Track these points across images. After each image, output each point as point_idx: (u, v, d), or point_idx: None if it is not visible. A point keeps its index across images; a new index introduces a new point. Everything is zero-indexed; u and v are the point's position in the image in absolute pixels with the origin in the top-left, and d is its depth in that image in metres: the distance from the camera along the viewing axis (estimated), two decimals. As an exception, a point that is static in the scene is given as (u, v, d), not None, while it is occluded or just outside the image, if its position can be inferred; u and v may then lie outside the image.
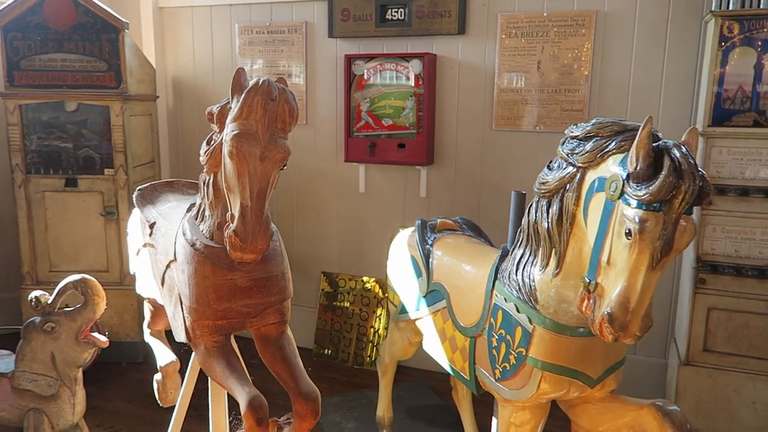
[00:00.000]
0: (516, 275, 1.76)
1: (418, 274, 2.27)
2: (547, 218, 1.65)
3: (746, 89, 2.71)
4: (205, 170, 1.71)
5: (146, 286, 2.13)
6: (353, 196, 3.68)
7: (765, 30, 2.61)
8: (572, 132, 1.61)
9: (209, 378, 1.81)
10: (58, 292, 2.32)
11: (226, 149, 1.45)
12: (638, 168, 1.35)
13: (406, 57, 3.32)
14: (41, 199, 3.55)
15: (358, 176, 3.65)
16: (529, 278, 1.71)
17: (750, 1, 2.62)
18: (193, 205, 1.85)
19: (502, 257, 1.91)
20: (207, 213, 1.70)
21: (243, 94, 1.44)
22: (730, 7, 2.65)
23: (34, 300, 2.34)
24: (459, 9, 3.24)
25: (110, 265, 3.63)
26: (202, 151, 1.69)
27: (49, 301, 2.34)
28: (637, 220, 1.33)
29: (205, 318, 1.66)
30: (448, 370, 2.11)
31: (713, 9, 2.65)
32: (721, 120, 2.69)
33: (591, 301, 1.47)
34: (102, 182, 3.55)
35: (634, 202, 1.35)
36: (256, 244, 1.44)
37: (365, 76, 3.42)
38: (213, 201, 1.66)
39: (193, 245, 1.67)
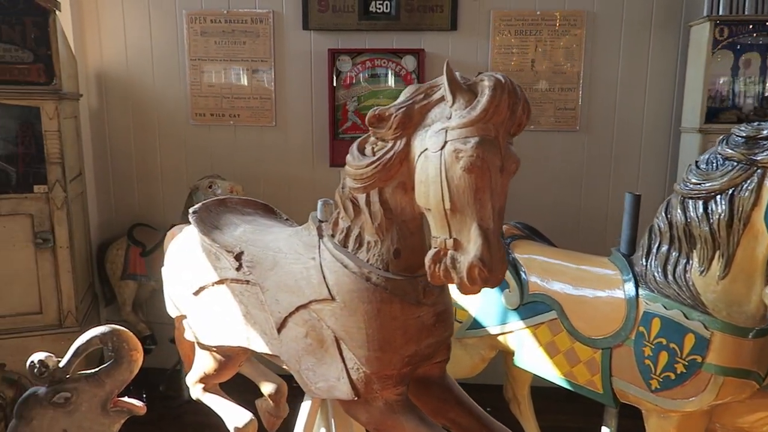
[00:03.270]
0: (667, 279, 1.70)
1: (502, 287, 2.12)
2: (709, 219, 1.61)
3: (725, 89, 2.97)
4: (356, 185, 1.39)
5: (219, 333, 1.70)
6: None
7: (746, 35, 2.88)
8: (743, 131, 1.58)
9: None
10: (75, 352, 1.77)
11: (463, 161, 1.16)
12: None
13: (398, 53, 3.12)
14: (-57, 229, 2.73)
15: (337, 182, 3.34)
16: (687, 282, 1.66)
17: (736, 8, 2.86)
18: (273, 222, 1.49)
19: (629, 262, 1.85)
20: (369, 238, 1.38)
21: (488, 93, 1.17)
22: (720, 13, 2.87)
23: (38, 365, 1.76)
24: (451, 4, 3.11)
25: (44, 306, 2.91)
26: (363, 162, 1.37)
27: (62, 365, 1.78)
28: None
29: (391, 367, 1.35)
30: (562, 384, 2.00)
31: (708, 14, 2.85)
32: (709, 118, 2.92)
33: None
34: (31, 202, 2.82)
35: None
36: (500, 274, 1.19)
37: (352, 73, 3.14)
38: (383, 223, 1.36)
39: (368, 279, 1.34)
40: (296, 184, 3.37)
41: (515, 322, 2.10)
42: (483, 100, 1.18)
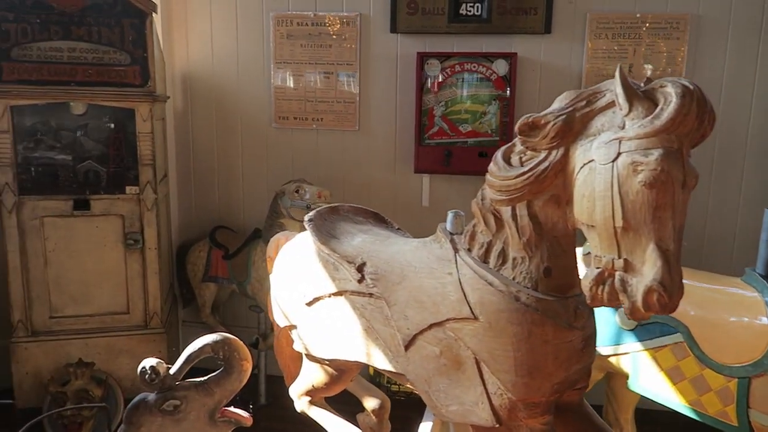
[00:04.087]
0: None
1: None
2: None
3: None
4: (501, 197, 1.30)
5: (334, 347, 1.64)
6: (415, 210, 3.29)
7: None
8: None
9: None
10: (187, 359, 1.74)
11: (643, 175, 1.06)
12: None
13: (489, 56, 3.02)
14: (39, 227, 2.77)
15: (420, 188, 3.28)
16: None
17: None
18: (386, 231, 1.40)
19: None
20: (515, 254, 1.29)
21: (675, 102, 1.07)
22: None
23: (148, 371, 1.73)
24: (545, 6, 3.00)
25: (131, 306, 2.94)
26: (511, 173, 1.27)
27: (172, 372, 1.75)
28: None
29: (539, 394, 1.26)
30: (686, 413, 1.86)
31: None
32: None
33: None
34: (122, 203, 2.85)
35: None
36: (678, 300, 1.08)
37: (440, 78, 3.06)
38: (532, 238, 1.26)
39: (517, 299, 1.25)
40: (378, 189, 3.31)
41: (631, 344, 1.97)
42: (669, 108, 1.08)
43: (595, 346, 1.38)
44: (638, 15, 2.97)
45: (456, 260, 1.37)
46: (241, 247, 3.14)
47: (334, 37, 3.20)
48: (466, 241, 1.39)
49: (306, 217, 1.72)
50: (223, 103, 3.37)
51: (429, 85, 3.07)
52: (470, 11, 3.06)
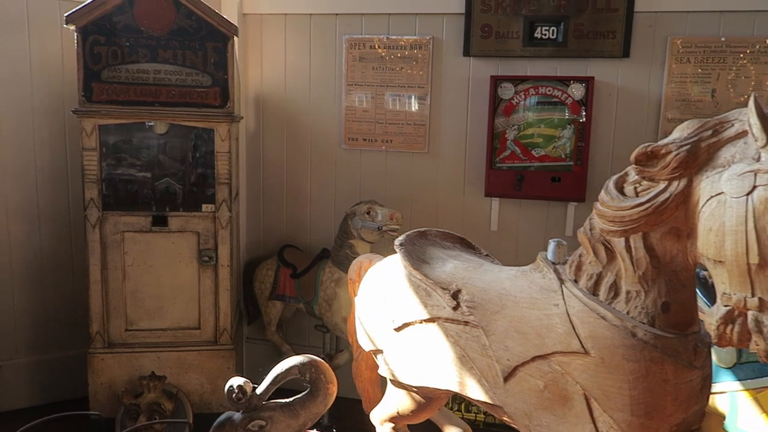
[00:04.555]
0: None
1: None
2: None
3: None
4: (614, 228, 1.25)
5: (424, 374, 1.61)
6: (482, 234, 3.25)
7: None
8: None
9: None
10: (273, 380, 1.74)
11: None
12: None
13: (565, 80, 2.97)
14: (120, 242, 2.86)
15: (489, 212, 3.23)
16: None
17: None
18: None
19: None
20: (628, 288, 1.24)
21: None
22: None
23: (236, 390, 1.74)
24: (624, 30, 2.94)
25: (203, 321, 2.98)
26: (626, 203, 1.23)
27: (258, 391, 1.75)
28: None
29: (657, 437, 1.20)
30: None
31: None
32: None
33: None
34: (198, 220, 2.91)
35: None
36: None
37: (514, 101, 3.03)
38: (648, 272, 1.21)
39: (633, 334, 1.20)
40: (445, 213, 3.29)
41: (729, 383, 1.87)
42: None
43: (711, 387, 1.31)
44: (723, 39, 2.88)
45: (562, 291, 1.33)
46: (310, 266, 3.16)
47: (406, 60, 3.22)
48: (572, 272, 1.35)
49: (396, 242, 1.71)
50: (294, 123, 3.43)
51: (502, 108, 3.05)
52: (545, 35, 3.03)
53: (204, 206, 2.92)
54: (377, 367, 2.04)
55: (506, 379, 1.39)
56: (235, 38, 2.85)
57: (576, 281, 1.33)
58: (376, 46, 3.24)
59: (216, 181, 2.89)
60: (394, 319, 1.68)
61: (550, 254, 1.46)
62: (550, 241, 1.48)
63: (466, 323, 1.48)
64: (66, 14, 2.67)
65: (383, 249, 3.13)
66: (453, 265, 1.63)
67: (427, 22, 3.18)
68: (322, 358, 3.09)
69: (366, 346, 1.85)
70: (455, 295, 1.52)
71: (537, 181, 3.03)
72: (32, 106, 3.11)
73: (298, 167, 3.47)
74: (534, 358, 1.33)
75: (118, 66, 2.75)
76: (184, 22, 2.77)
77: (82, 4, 2.68)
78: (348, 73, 3.30)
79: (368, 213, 2.90)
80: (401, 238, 1.73)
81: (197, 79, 2.82)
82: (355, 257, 2.97)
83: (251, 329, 3.58)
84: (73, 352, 3.32)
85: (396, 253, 1.75)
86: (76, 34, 2.70)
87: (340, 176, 3.41)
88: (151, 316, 2.94)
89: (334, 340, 3.23)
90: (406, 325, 1.64)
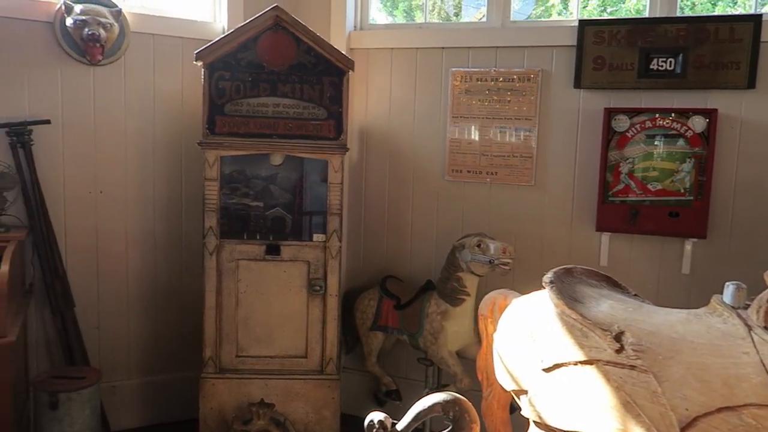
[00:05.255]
0: None
1: None
2: None
3: None
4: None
5: (578, 418, 1.55)
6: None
7: None
8: None
9: None
10: (415, 416, 1.71)
11: None
12: None
13: (684, 113, 2.87)
14: (234, 270, 2.94)
15: (598, 247, 3.13)
16: None
17: None
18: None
19: None
20: None
21: None
22: None
23: (376, 425, 1.72)
24: (749, 60, 2.83)
25: (309, 350, 3.01)
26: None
27: (399, 428, 1.73)
28: None
29: None
30: None
31: None
32: None
33: None
34: (309, 250, 2.96)
35: None
36: None
37: (629, 133, 2.95)
38: None
39: None
40: (551, 247, 3.21)
41: None
42: None
43: None
44: None
45: (752, 339, 1.25)
46: (414, 298, 3.15)
47: (514, 92, 3.20)
48: (762, 317, 1.27)
49: (546, 279, 1.67)
50: (397, 155, 3.46)
51: (615, 141, 2.97)
52: (662, 66, 2.95)
53: (315, 236, 2.97)
54: (508, 406, 1.98)
55: (684, 429, 1.31)
56: (351, 72, 2.92)
57: (767, 328, 1.25)
58: (483, 79, 3.25)
59: (327, 211, 2.94)
60: (543, 359, 1.63)
61: (728, 298, 1.38)
62: (727, 284, 1.40)
63: (632, 367, 1.42)
64: (196, 51, 2.81)
65: (491, 282, 3.08)
66: (608, 305, 1.57)
67: (536, 54, 3.17)
68: (426, 393, 3.06)
69: (507, 385, 1.81)
70: (618, 337, 1.46)
71: (653, 216, 2.92)
72: (154, 140, 3.28)
73: (400, 198, 3.49)
74: (720, 410, 1.25)
75: (240, 100, 2.87)
76: (304, 57, 2.87)
77: (211, 42, 2.83)
78: (453, 105, 3.32)
79: (479, 246, 2.87)
80: (550, 276, 1.69)
81: (313, 112, 2.90)
82: (463, 290, 2.95)
83: (347, 359, 3.59)
84: (180, 374, 3.41)
85: (538, 289, 1.71)
86: (203, 70, 2.83)
87: (442, 208, 3.41)
88: (261, 343, 2.99)
89: (436, 374, 3.18)
90: (557, 366, 1.59)
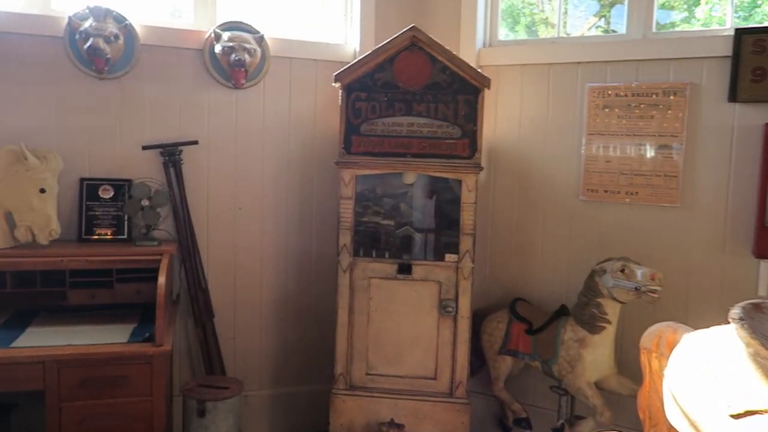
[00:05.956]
0: None
1: None
2: None
3: None
4: None
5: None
6: (746, 299, 2.86)
7: None
8: None
9: None
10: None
11: None
12: None
13: None
14: (366, 287, 2.96)
15: (756, 275, 2.85)
16: None
17: None
18: None
19: None
20: None
21: None
22: None
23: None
24: None
25: (439, 372, 2.96)
26: None
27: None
28: None
29: None
30: None
31: None
32: None
33: None
34: (441, 270, 2.93)
35: None
36: None
37: (796, 151, 2.68)
38: None
39: None
40: (700, 273, 2.97)
41: None
42: None
43: None
44: None
45: None
46: (547, 323, 3.02)
47: (657, 107, 3.01)
48: None
49: (733, 315, 1.52)
50: (526, 174, 3.36)
51: (778, 159, 2.71)
52: (836, 76, 2.66)
53: (447, 256, 2.93)
54: (675, 449, 1.82)
55: None
56: (486, 90, 2.87)
57: None
58: (623, 94, 3.08)
59: (461, 231, 2.90)
60: (731, 405, 1.47)
61: None
62: None
63: None
64: (334, 73, 2.88)
65: (631, 311, 2.90)
66: (814, 347, 1.39)
67: (684, 67, 2.96)
68: (561, 424, 2.92)
69: (683, 429, 1.66)
70: (834, 386, 1.29)
71: (825, 243, 2.63)
72: (288, 158, 3.40)
73: (529, 218, 3.38)
74: None
75: (376, 120, 2.90)
76: (439, 76, 2.86)
77: (349, 64, 2.89)
78: (590, 122, 3.17)
79: (622, 271, 2.70)
80: (738, 311, 1.53)
81: (447, 131, 2.88)
82: (603, 317, 2.79)
83: (471, 382, 3.49)
84: (306, 388, 3.49)
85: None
86: (340, 91, 2.90)
87: (575, 229, 3.26)
88: (390, 362, 2.98)
89: (570, 403, 3.02)
90: (750, 413, 1.43)
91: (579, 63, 3.20)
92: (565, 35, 3.73)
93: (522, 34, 3.93)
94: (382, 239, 3.08)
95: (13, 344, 2.42)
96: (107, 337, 2.55)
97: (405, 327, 2.96)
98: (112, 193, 3.04)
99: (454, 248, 2.92)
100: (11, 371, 2.34)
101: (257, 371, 3.45)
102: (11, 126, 2.90)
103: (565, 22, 3.94)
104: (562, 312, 3.03)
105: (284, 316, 3.49)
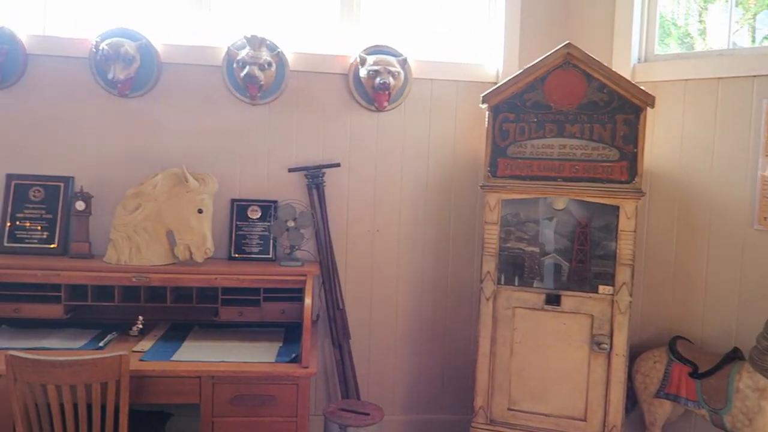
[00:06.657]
0: None
1: None
2: None
3: None
4: None
5: None
6: None
7: None
8: None
9: None
10: None
11: None
12: None
13: None
14: (510, 317, 2.81)
15: None
16: None
17: None
18: None
19: None
20: None
21: None
22: None
23: None
24: None
25: (590, 414, 2.73)
26: None
27: None
28: None
29: None
30: None
31: None
32: None
33: None
34: (594, 302, 2.71)
35: None
36: None
37: None
38: None
39: None
40: None
41: None
42: None
43: None
44: None
45: None
46: (717, 366, 2.69)
47: None
48: None
49: None
50: (688, 199, 3.05)
51: None
52: None
53: (600, 287, 2.71)
54: None
55: None
56: (648, 109, 2.64)
57: None
58: (811, 111, 2.71)
59: (617, 261, 2.67)
60: None
61: None
62: None
63: None
64: (482, 94, 2.80)
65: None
66: None
67: None
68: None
69: None
70: None
71: None
72: (426, 181, 3.35)
73: (691, 247, 3.06)
74: None
75: (524, 142, 2.77)
76: (595, 95, 2.68)
77: (498, 84, 2.79)
78: (767, 142, 2.82)
79: (818, 314, 2.34)
80: None
81: (603, 153, 2.68)
82: (791, 366, 2.43)
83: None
84: (440, 416, 3.39)
85: None
86: (487, 112, 2.80)
87: (748, 261, 2.89)
88: (535, 398, 2.80)
89: (745, 462, 2.65)
90: None
91: (755, 77, 2.86)
92: (733, 46, 3.38)
93: (674, 48, 3.62)
94: (527, 267, 2.92)
95: (173, 357, 2.54)
96: (255, 356, 2.60)
97: (552, 362, 2.77)
98: (260, 214, 3.15)
99: (607, 279, 2.70)
100: (171, 384, 2.45)
101: (391, 396, 3.40)
102: (173, 149, 3.10)
103: (703, 32, 3.58)
104: (735, 355, 2.69)
105: (418, 341, 3.42)
